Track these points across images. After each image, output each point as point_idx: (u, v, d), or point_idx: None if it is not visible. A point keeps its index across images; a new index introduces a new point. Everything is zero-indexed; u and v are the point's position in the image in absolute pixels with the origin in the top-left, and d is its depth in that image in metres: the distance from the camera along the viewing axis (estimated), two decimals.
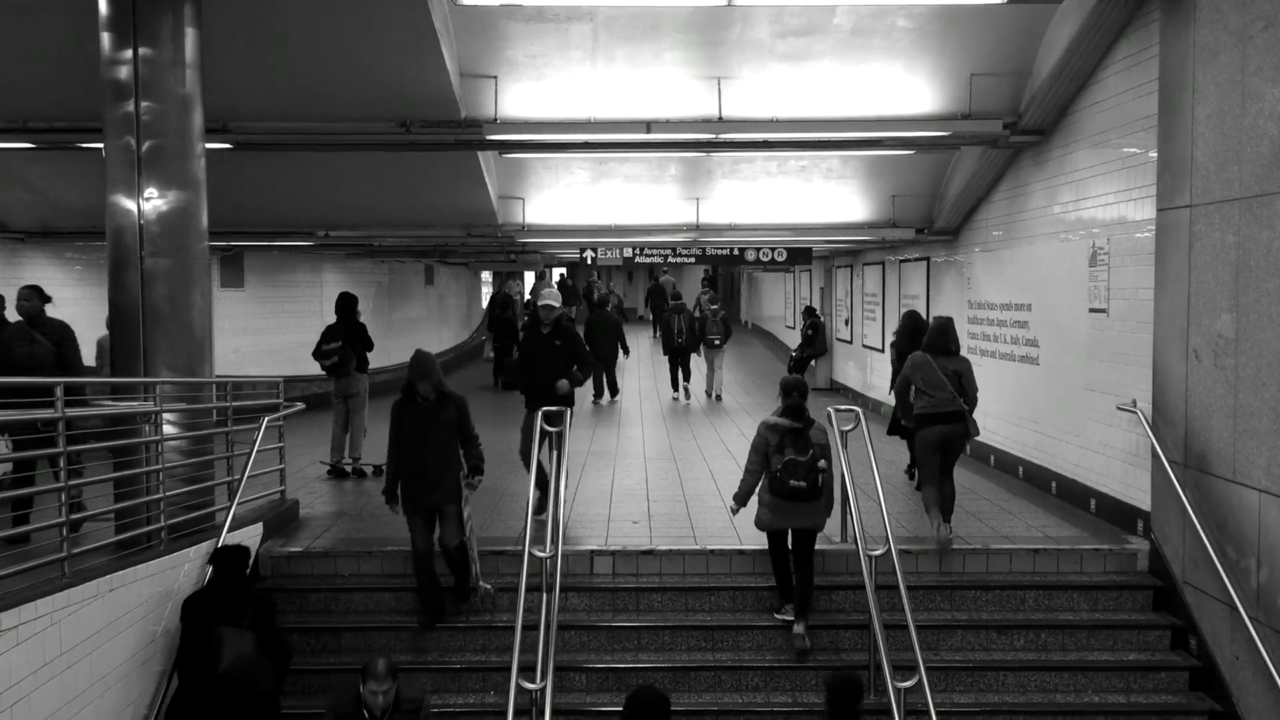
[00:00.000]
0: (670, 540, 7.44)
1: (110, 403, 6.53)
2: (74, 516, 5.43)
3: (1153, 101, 7.00)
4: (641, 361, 21.41)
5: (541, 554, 6.30)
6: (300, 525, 7.97)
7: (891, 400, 9.03)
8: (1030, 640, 6.76)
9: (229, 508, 6.78)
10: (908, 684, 5.51)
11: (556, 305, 7.93)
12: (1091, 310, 8.15)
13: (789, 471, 6.41)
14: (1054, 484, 8.89)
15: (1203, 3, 6.24)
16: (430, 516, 6.69)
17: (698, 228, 13.47)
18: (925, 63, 8.92)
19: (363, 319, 10.55)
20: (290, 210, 13.48)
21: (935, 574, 7.11)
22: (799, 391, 6.63)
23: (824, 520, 6.69)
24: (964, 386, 7.50)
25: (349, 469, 10.03)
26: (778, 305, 25.98)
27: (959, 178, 11.02)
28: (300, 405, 8.52)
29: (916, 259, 13.57)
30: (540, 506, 7.41)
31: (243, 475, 7.02)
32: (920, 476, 7.86)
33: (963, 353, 7.83)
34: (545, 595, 6.19)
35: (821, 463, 6.46)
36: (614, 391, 16.50)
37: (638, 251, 13.85)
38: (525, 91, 9.02)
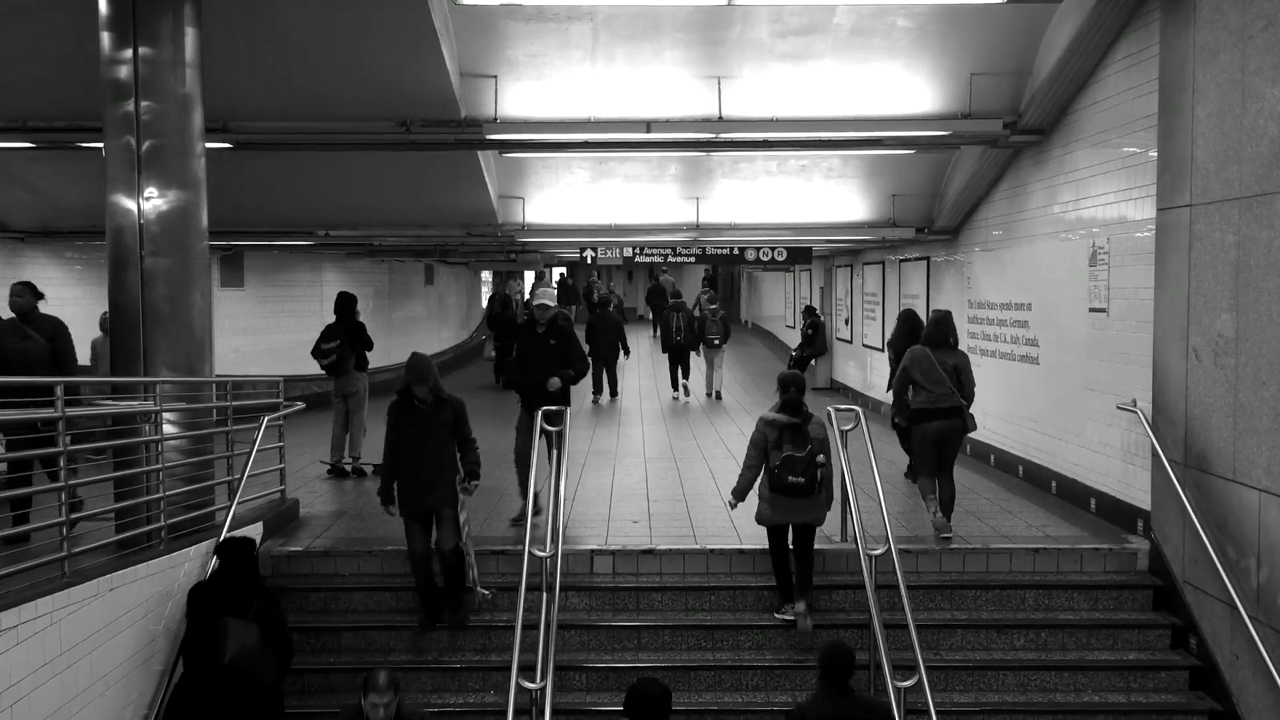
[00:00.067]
0: (670, 540, 7.44)
1: (110, 402, 6.53)
2: (74, 516, 5.42)
3: (1153, 101, 7.00)
4: (641, 361, 21.41)
5: (541, 553, 6.30)
6: (300, 525, 7.97)
7: (890, 399, 9.03)
8: (1030, 640, 6.76)
9: (229, 507, 6.78)
10: (908, 683, 5.50)
11: (552, 305, 7.89)
12: (1091, 310, 8.15)
13: (787, 468, 6.42)
14: (1054, 483, 8.89)
15: (1203, 2, 6.24)
16: (427, 519, 6.67)
17: (698, 227, 13.48)
18: (925, 62, 8.92)
19: (362, 318, 10.56)
20: (290, 210, 13.48)
21: (935, 574, 7.11)
22: (796, 386, 6.64)
23: (824, 514, 6.71)
24: (962, 382, 7.53)
25: (349, 468, 10.03)
26: (778, 305, 25.98)
27: (959, 177, 11.02)
28: (300, 405, 8.52)
29: (916, 258, 13.57)
30: (525, 513, 7.43)
31: (243, 475, 7.02)
32: (917, 468, 7.87)
33: (967, 357, 7.85)
34: (545, 595, 6.18)
35: (820, 458, 6.48)
36: (614, 391, 16.51)
37: (638, 251, 13.86)
38: (525, 91, 9.02)
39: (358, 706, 5.15)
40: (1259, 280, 5.73)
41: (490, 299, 24.97)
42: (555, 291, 8.67)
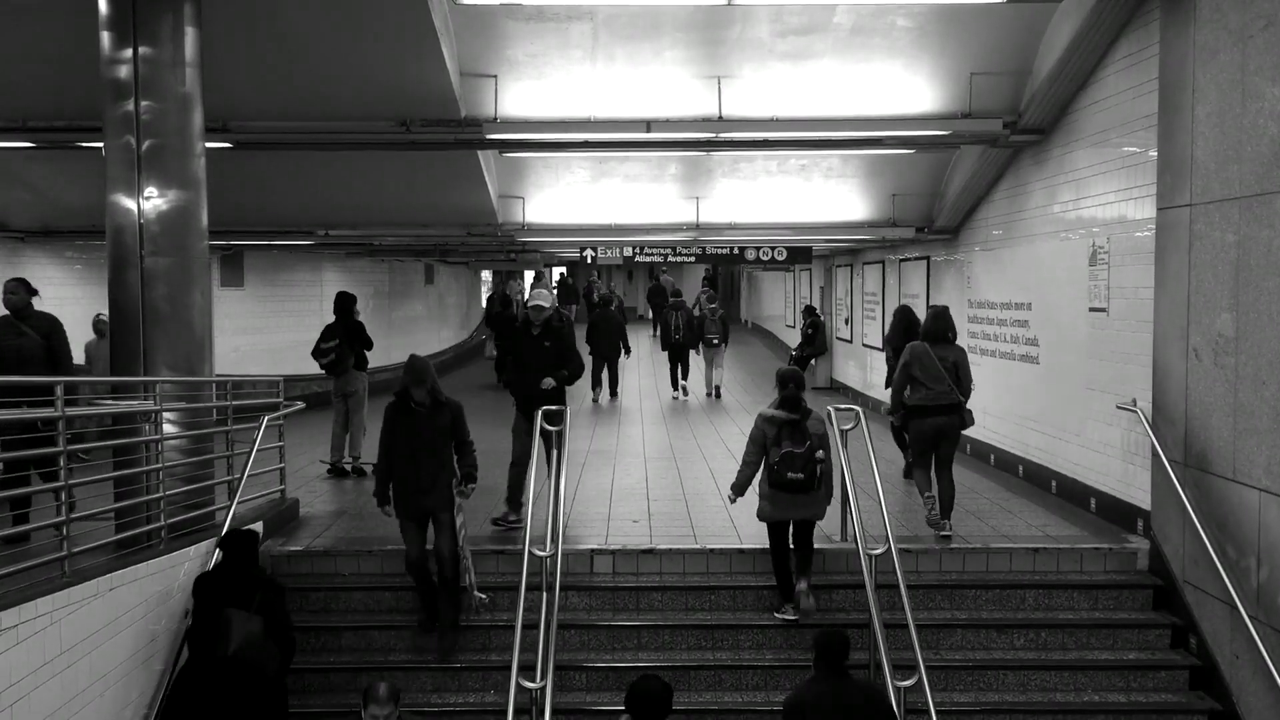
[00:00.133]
0: (670, 539, 7.44)
1: (110, 401, 6.53)
2: (73, 516, 5.42)
3: (1153, 100, 7.00)
4: (641, 360, 21.42)
5: (541, 553, 6.30)
6: (300, 524, 7.97)
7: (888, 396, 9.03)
8: (1030, 639, 6.75)
9: (229, 507, 6.78)
10: (908, 683, 5.50)
11: (546, 306, 7.83)
12: (1091, 309, 8.15)
13: (786, 464, 6.44)
14: (1054, 483, 8.89)
15: (1203, 2, 6.24)
16: (423, 521, 6.63)
17: (698, 227, 13.48)
18: (925, 62, 8.92)
19: (362, 318, 10.56)
20: (290, 209, 13.49)
21: (935, 573, 7.11)
22: (795, 383, 6.65)
23: (824, 509, 6.73)
24: (960, 378, 7.55)
25: (349, 468, 10.03)
26: (778, 304, 25.99)
27: (959, 177, 11.02)
28: (300, 404, 8.51)
29: (916, 258, 13.57)
30: (519, 520, 7.50)
31: (243, 474, 7.02)
32: (914, 461, 7.89)
33: (965, 352, 7.85)
34: (545, 594, 6.19)
35: (819, 454, 6.50)
36: (614, 391, 16.52)
37: (638, 250, 13.88)
38: (525, 91, 9.02)
39: (358, 718, 5.15)
40: (1259, 280, 5.73)
41: (489, 298, 24.99)
42: (550, 292, 8.62)
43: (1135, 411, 7.16)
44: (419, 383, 6.55)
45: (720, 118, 9.08)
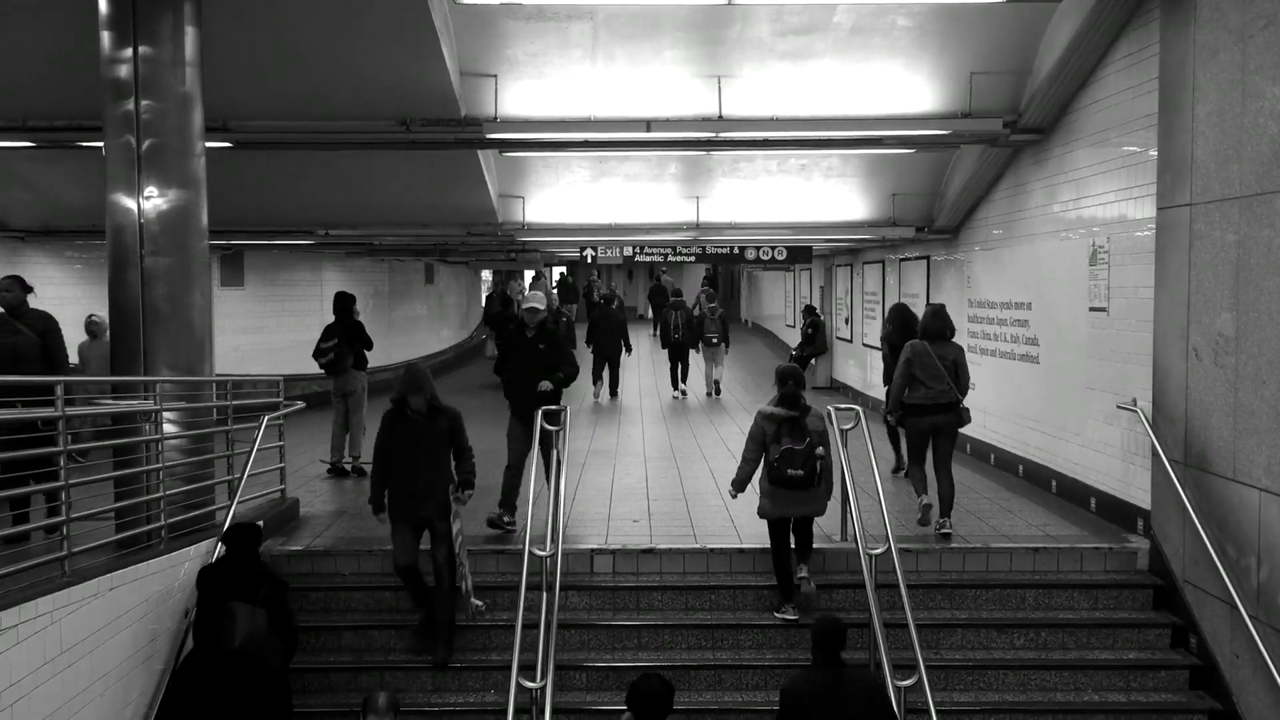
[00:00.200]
0: (670, 539, 7.44)
1: (110, 401, 6.52)
2: (73, 516, 5.42)
3: (1153, 100, 7.00)
4: (641, 360, 21.41)
5: (541, 553, 6.30)
6: (300, 524, 7.97)
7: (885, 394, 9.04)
8: (1030, 639, 6.75)
9: (229, 506, 6.79)
10: (908, 683, 5.50)
11: (541, 308, 7.79)
12: (1091, 309, 8.15)
13: (786, 460, 6.47)
14: (1054, 482, 8.89)
15: (1203, 1, 6.23)
16: (418, 528, 6.55)
17: (698, 226, 13.48)
18: (925, 61, 8.92)
19: (362, 318, 10.57)
20: (290, 209, 13.49)
21: (935, 573, 7.11)
22: (794, 380, 6.67)
23: (824, 505, 6.76)
24: (959, 376, 7.57)
25: (349, 468, 10.03)
26: (778, 304, 25.99)
27: (959, 176, 11.02)
28: (300, 404, 8.52)
29: (916, 258, 13.57)
30: (502, 520, 7.50)
31: (243, 474, 7.02)
32: (909, 457, 7.90)
33: (963, 350, 7.85)
34: (545, 594, 6.19)
35: (819, 450, 6.51)
36: (614, 391, 16.53)
37: (638, 250, 13.87)
38: (525, 90, 9.02)
39: (359, 718, 5.16)
40: (1259, 279, 5.73)
41: (489, 297, 24.99)
42: (545, 294, 8.62)
43: (1135, 411, 7.16)
44: (416, 391, 6.49)
45: (720, 117, 9.08)
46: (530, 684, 5.48)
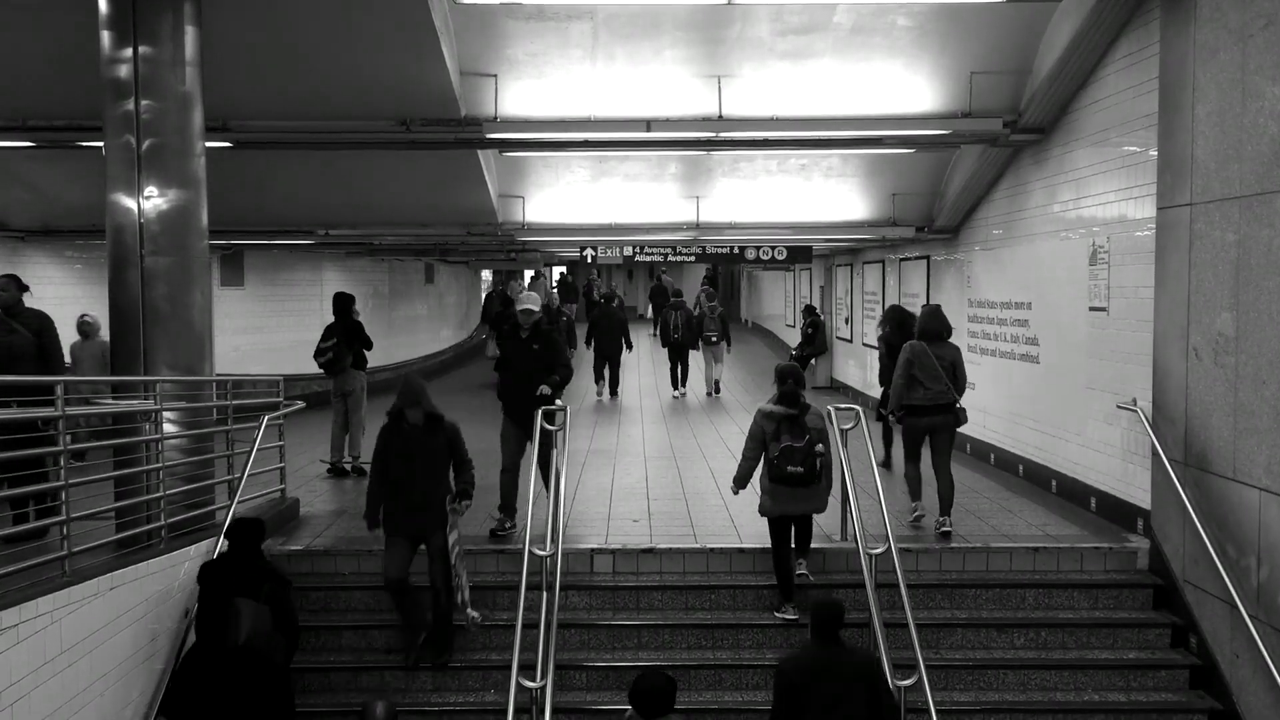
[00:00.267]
0: (670, 539, 7.44)
1: (110, 401, 6.52)
2: (74, 516, 5.42)
3: (1153, 100, 7.00)
4: (642, 359, 21.41)
5: (541, 552, 6.30)
6: (300, 524, 7.97)
7: (881, 393, 9.05)
8: (1030, 639, 6.76)
9: (229, 506, 6.79)
10: (908, 682, 5.50)
11: (535, 310, 7.74)
12: (1092, 309, 8.15)
13: (786, 458, 6.49)
14: (1054, 482, 8.89)
15: (1203, 1, 6.24)
16: (414, 540, 6.47)
17: (698, 226, 13.48)
18: (925, 61, 8.92)
19: (361, 318, 10.57)
20: (290, 209, 13.49)
21: (935, 572, 7.11)
22: (794, 378, 6.68)
23: (824, 502, 6.78)
24: (956, 376, 7.59)
25: (349, 468, 10.03)
26: (778, 304, 25.98)
27: (959, 176, 11.02)
28: (300, 404, 8.52)
29: (916, 257, 13.57)
30: (510, 529, 7.47)
31: (243, 474, 7.02)
32: (905, 456, 7.91)
33: (960, 350, 7.86)
34: (545, 594, 6.19)
35: (819, 447, 6.52)
36: (614, 391, 16.54)
37: (638, 250, 13.87)
38: (525, 90, 9.02)
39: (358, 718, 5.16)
40: (1259, 279, 5.73)
41: (489, 297, 24.98)
42: (543, 294, 8.59)
43: (1135, 411, 7.16)
44: (414, 404, 6.44)
45: (720, 117, 9.08)
46: (530, 684, 5.48)
